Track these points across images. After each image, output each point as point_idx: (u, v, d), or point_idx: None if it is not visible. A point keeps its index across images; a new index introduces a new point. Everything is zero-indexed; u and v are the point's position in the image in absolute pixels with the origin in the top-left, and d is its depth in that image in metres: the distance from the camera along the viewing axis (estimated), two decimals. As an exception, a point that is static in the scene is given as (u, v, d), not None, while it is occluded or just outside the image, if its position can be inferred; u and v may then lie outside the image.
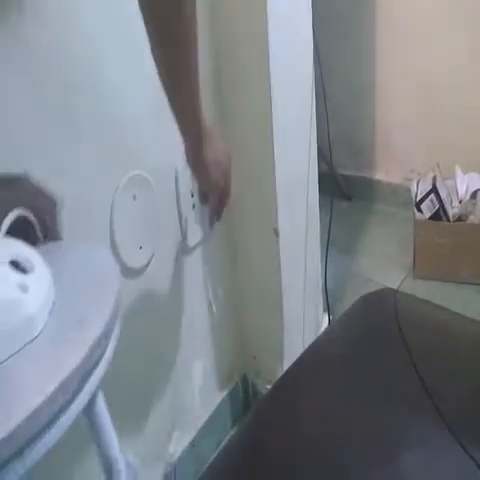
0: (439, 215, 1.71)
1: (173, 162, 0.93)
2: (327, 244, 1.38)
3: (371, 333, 0.73)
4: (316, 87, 1.20)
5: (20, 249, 0.44)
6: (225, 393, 1.24)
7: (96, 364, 0.43)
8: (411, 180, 1.87)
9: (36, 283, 0.42)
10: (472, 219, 1.67)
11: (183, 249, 1.00)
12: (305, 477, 0.54)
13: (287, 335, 1.20)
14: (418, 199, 1.73)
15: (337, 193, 2.34)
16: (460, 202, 1.72)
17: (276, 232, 1.09)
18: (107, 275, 0.50)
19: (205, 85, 1.00)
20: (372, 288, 0.87)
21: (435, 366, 0.63)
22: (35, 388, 0.36)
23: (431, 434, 0.54)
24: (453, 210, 1.70)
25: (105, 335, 0.42)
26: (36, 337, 0.41)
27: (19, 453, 0.35)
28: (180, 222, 0.98)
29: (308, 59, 1.15)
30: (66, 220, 0.67)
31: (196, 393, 1.13)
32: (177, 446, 1.09)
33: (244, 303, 1.22)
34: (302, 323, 1.30)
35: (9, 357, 0.39)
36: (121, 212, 0.80)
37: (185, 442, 1.11)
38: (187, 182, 0.97)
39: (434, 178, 1.74)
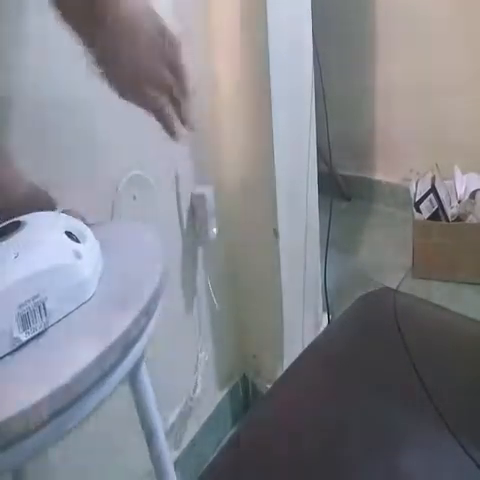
0: (438, 215, 1.71)
1: (173, 162, 0.93)
2: (327, 244, 1.39)
3: (370, 333, 0.74)
4: (316, 87, 1.20)
5: (73, 222, 0.48)
6: (225, 392, 1.25)
7: (141, 332, 0.46)
8: (410, 180, 1.88)
9: (88, 252, 0.46)
10: (471, 219, 1.68)
11: (183, 249, 1.00)
12: (305, 476, 0.54)
13: (287, 335, 1.20)
14: (417, 199, 1.74)
15: (337, 193, 2.34)
16: (459, 202, 1.72)
17: (276, 232, 1.09)
18: (153, 253, 0.53)
19: (203, 84, 1.00)
20: (371, 288, 0.87)
21: (434, 366, 0.63)
22: (86, 347, 0.40)
23: (430, 434, 0.54)
24: (452, 210, 1.70)
25: (153, 302, 0.46)
26: (88, 300, 0.45)
27: (78, 399, 0.39)
28: (180, 222, 0.98)
29: (308, 59, 1.15)
30: (67, 220, 0.67)
31: (196, 393, 1.13)
32: (177, 445, 1.09)
33: (244, 303, 1.22)
34: (302, 323, 1.30)
35: (65, 316, 0.43)
36: (121, 212, 0.80)
37: (185, 441, 1.11)
38: (187, 182, 0.97)
39: (433, 178, 1.74)
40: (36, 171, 0.63)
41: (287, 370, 0.71)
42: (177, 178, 0.94)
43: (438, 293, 1.67)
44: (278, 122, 1.00)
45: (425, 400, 0.56)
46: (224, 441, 1.22)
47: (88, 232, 0.48)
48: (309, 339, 1.21)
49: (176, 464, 1.06)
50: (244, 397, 1.31)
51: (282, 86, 1.00)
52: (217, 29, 0.98)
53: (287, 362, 1.19)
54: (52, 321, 0.42)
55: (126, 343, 0.42)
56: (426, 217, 1.72)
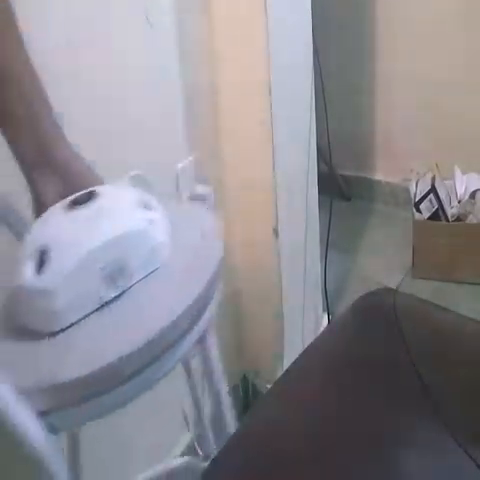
0: (438, 215, 1.71)
1: (173, 162, 0.93)
2: (326, 244, 1.39)
3: (370, 333, 0.74)
4: (315, 87, 1.20)
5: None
6: (225, 393, 1.25)
7: (211, 296, 0.48)
8: (410, 180, 1.88)
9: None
10: (471, 219, 1.68)
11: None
12: (304, 475, 0.54)
13: (287, 335, 1.20)
14: (417, 199, 1.74)
15: (336, 193, 2.34)
16: (459, 202, 1.72)
17: (276, 232, 1.09)
18: (211, 228, 0.55)
19: (203, 84, 1.00)
20: (371, 288, 0.86)
21: (434, 366, 0.63)
22: (165, 307, 0.43)
23: (430, 434, 0.54)
24: (452, 210, 1.70)
25: (219, 270, 0.48)
26: (162, 265, 0.48)
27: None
28: (180, 222, 0.98)
29: (308, 59, 1.16)
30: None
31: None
32: (177, 445, 1.09)
33: (244, 303, 1.22)
34: (302, 323, 1.30)
35: (143, 278, 0.46)
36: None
37: (185, 441, 1.11)
38: (187, 182, 0.97)
39: (433, 178, 1.74)
40: None
41: (287, 370, 0.71)
42: (177, 178, 0.94)
43: (438, 293, 1.67)
44: (278, 122, 1.00)
45: (425, 400, 0.56)
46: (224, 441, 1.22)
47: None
48: (309, 339, 1.21)
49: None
50: (244, 398, 1.31)
51: (282, 86, 1.00)
52: (217, 30, 0.98)
53: (287, 362, 1.19)
54: (132, 282, 0.45)
55: (199, 307, 0.45)
56: (426, 217, 1.72)
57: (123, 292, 0.45)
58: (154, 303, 0.44)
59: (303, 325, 1.30)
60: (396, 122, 2.19)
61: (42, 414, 0.37)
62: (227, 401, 0.63)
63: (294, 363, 0.71)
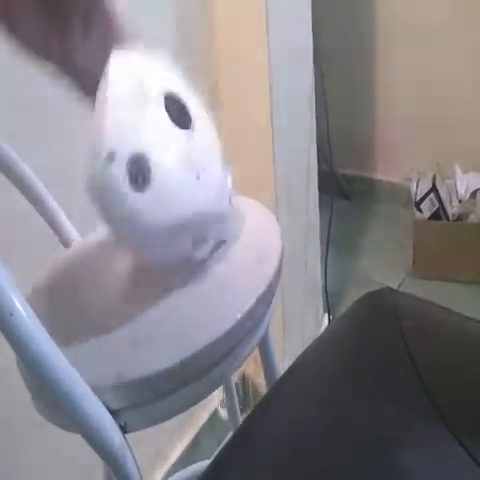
0: (439, 215, 1.71)
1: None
2: (327, 244, 1.38)
3: (371, 333, 0.73)
4: (316, 86, 1.20)
5: None
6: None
7: (277, 283, 0.49)
8: (411, 180, 1.88)
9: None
10: (472, 218, 1.67)
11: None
12: (305, 475, 0.54)
13: (287, 335, 1.20)
14: (418, 199, 1.73)
15: (337, 193, 2.34)
16: (460, 202, 1.72)
17: (276, 232, 1.09)
18: (270, 223, 0.55)
19: (203, 84, 1.00)
20: (372, 288, 0.86)
21: (435, 366, 0.63)
22: (248, 285, 0.43)
23: (431, 434, 0.54)
24: (453, 210, 1.70)
25: (282, 261, 0.49)
26: (237, 239, 0.48)
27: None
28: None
29: (308, 58, 1.15)
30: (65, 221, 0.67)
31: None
32: (178, 446, 1.09)
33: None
34: (302, 323, 1.30)
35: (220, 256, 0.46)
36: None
37: (185, 442, 1.11)
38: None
39: (434, 178, 1.74)
40: (36, 169, 0.63)
41: (287, 371, 0.71)
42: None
43: (439, 293, 1.67)
44: (278, 121, 1.00)
45: (425, 400, 0.56)
46: (224, 442, 1.22)
47: None
48: (310, 339, 1.21)
49: (176, 465, 1.06)
50: (244, 398, 1.30)
51: (282, 85, 1.00)
52: (218, 30, 0.97)
53: (287, 363, 1.18)
54: (211, 253, 0.45)
55: (275, 281, 0.46)
56: (427, 217, 1.72)
57: (203, 267, 0.44)
58: (234, 282, 0.44)
59: (304, 326, 1.30)
60: (396, 121, 2.19)
61: (118, 412, 0.37)
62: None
63: (294, 363, 0.71)
